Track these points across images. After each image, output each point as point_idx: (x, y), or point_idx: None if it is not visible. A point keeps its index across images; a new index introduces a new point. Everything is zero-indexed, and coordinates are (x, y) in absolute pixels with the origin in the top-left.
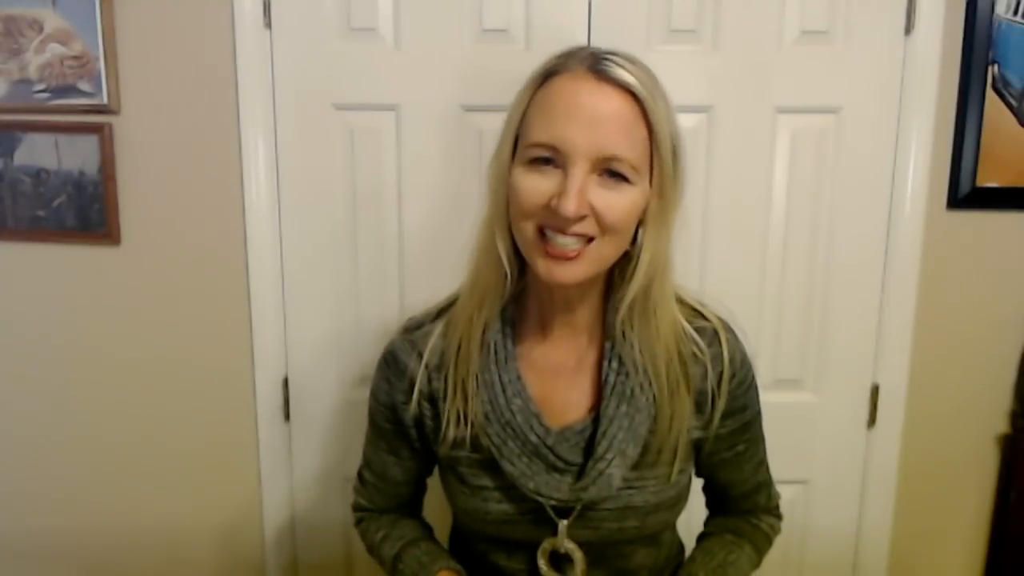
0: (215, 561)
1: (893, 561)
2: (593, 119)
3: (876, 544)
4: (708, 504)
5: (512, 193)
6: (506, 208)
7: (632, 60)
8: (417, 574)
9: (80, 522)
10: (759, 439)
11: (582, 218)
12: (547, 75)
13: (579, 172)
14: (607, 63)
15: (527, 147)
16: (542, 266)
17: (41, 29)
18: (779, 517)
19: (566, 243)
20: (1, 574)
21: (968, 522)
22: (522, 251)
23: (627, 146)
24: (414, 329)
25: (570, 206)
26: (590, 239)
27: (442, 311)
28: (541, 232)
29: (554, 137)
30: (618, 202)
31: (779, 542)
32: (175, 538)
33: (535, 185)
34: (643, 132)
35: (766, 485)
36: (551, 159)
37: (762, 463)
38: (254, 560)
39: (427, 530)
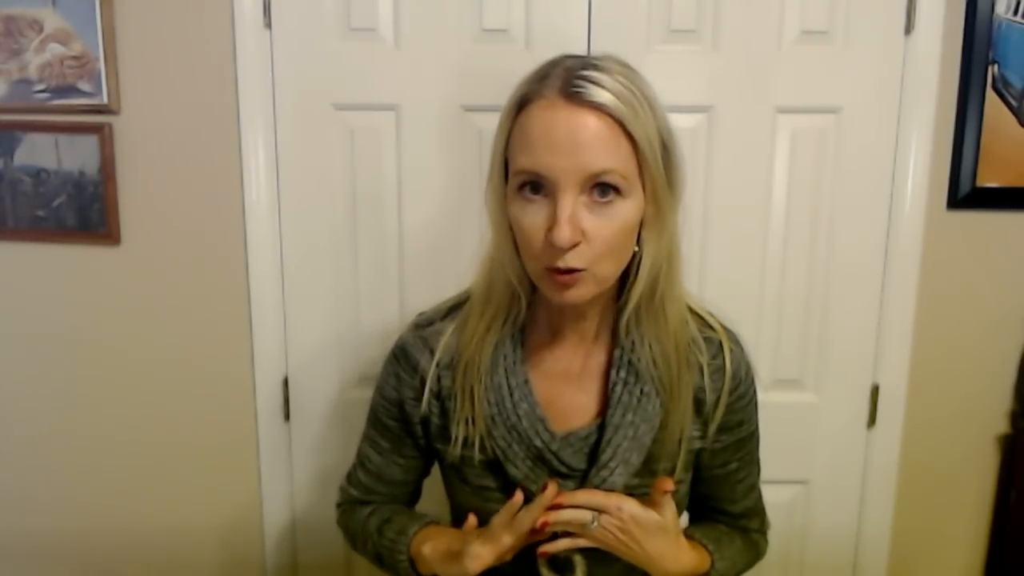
0: (215, 561)
1: (893, 561)
2: (572, 145)
3: (876, 544)
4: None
5: (516, 229)
6: (508, 232)
7: (608, 71)
8: (395, 541)
9: (80, 522)
10: (754, 463)
11: (576, 245)
12: (523, 103)
13: (568, 198)
14: (581, 84)
15: (515, 174)
16: (551, 293)
17: (41, 29)
18: (767, 542)
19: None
20: (1, 574)
21: (968, 522)
22: (532, 279)
23: (612, 160)
24: (426, 325)
25: (563, 234)
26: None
27: (452, 308)
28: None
29: (537, 165)
30: (609, 226)
31: (779, 542)
32: (175, 538)
33: (532, 221)
34: (626, 145)
35: (758, 514)
36: (539, 185)
37: (754, 488)
38: (254, 560)
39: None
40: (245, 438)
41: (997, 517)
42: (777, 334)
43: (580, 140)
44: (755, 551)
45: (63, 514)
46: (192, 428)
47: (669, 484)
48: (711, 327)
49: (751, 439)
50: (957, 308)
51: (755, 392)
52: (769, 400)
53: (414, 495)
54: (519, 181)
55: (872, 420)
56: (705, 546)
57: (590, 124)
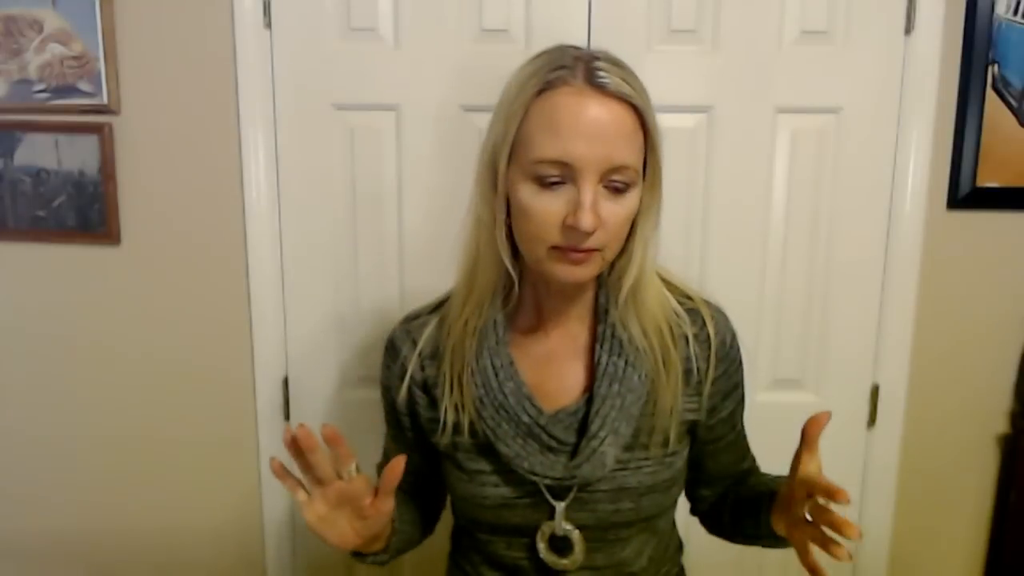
0: (215, 561)
1: (893, 561)
2: (599, 133)
3: (876, 544)
4: (703, 511)
5: (521, 212)
6: (504, 211)
7: (619, 64)
8: None
9: (80, 522)
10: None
11: (594, 231)
12: (544, 88)
13: (590, 186)
14: (604, 75)
15: (534, 163)
16: (560, 271)
17: (41, 29)
18: None
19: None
20: (1, 574)
21: (968, 522)
22: (530, 261)
23: (630, 154)
24: (412, 319)
25: (587, 220)
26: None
27: (439, 304)
28: (553, 246)
29: (565, 153)
30: (621, 211)
31: None
32: (175, 538)
33: (547, 206)
34: (640, 136)
35: (752, 459)
36: (559, 175)
37: (746, 439)
38: (254, 560)
39: (413, 507)
40: (245, 438)
41: (997, 517)
42: (777, 334)
43: (606, 129)
44: None
45: (63, 514)
46: (192, 428)
47: (825, 417)
48: (690, 298)
49: (743, 400)
50: (957, 308)
51: (741, 357)
52: (769, 400)
53: (426, 489)
54: (540, 172)
55: (872, 420)
56: None
57: (615, 113)
